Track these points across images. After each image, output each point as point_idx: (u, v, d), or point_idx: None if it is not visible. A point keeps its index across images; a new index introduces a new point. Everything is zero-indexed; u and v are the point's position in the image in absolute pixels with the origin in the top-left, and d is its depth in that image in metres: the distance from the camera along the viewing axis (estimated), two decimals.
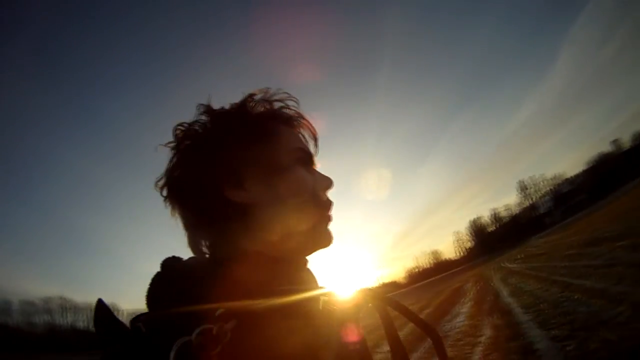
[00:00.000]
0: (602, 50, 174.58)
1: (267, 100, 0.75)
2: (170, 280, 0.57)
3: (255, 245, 0.65)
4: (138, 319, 0.51)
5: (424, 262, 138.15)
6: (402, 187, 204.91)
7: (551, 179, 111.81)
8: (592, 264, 10.05)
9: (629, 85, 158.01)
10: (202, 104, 0.72)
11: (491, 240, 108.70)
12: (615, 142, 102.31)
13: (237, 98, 0.74)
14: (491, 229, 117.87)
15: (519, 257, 31.96)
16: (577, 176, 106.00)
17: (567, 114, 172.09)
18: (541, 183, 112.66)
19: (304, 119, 0.79)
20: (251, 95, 0.74)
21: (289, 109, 0.77)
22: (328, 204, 0.73)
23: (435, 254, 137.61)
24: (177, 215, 0.70)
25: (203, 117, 0.72)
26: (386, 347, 0.69)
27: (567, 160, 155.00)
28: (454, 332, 8.09)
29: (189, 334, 0.45)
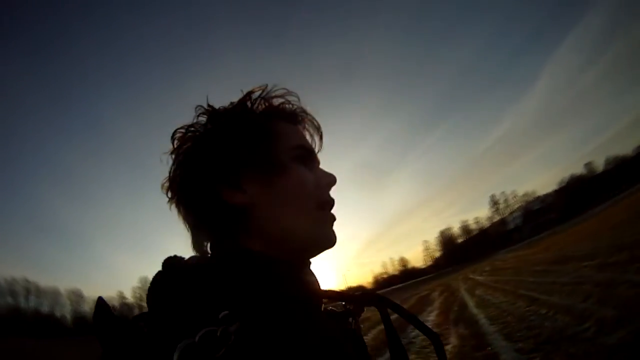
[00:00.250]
0: (583, 75, 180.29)
1: (265, 98, 0.74)
2: (172, 280, 0.56)
3: (256, 246, 0.65)
4: (139, 318, 0.51)
5: (392, 268, 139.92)
6: (373, 193, 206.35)
7: (522, 195, 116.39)
8: (558, 281, 10.39)
9: (606, 110, 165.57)
10: (200, 106, 0.71)
11: (459, 251, 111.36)
12: (588, 165, 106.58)
13: (237, 97, 0.74)
14: (460, 240, 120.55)
15: (486, 269, 32.88)
16: (548, 195, 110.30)
17: (543, 133, 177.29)
18: (512, 199, 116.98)
19: (305, 114, 0.77)
20: (249, 94, 0.73)
21: (289, 104, 0.76)
22: (330, 203, 0.72)
23: (403, 261, 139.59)
24: (180, 216, 0.71)
25: (201, 119, 0.71)
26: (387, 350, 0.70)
27: (539, 178, 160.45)
28: (419, 339, 8.19)
29: (193, 336, 0.44)
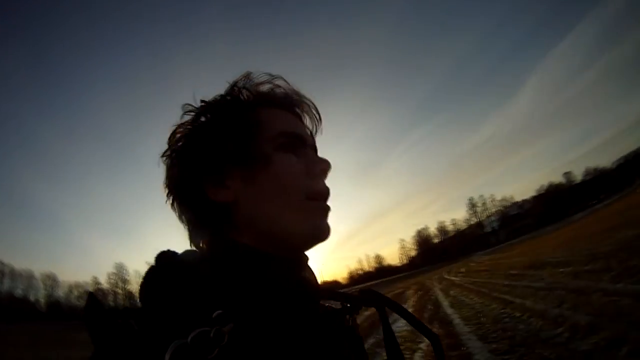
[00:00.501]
0: (569, 86, 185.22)
1: (247, 87, 0.71)
2: (165, 275, 0.55)
3: (248, 241, 0.63)
4: (131, 313, 0.49)
5: (368, 265, 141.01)
6: (353, 188, 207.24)
7: (500, 200, 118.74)
8: (533, 286, 10.62)
9: (589, 122, 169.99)
10: (187, 104, 0.70)
11: (435, 251, 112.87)
12: (567, 174, 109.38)
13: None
14: (436, 240, 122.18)
15: (461, 270, 33.43)
16: (526, 201, 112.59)
17: (525, 140, 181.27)
18: (490, 203, 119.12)
19: (295, 96, 0.74)
20: (234, 85, 0.71)
21: (278, 88, 0.73)
22: (322, 193, 0.68)
23: (379, 258, 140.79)
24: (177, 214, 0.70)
25: (188, 116, 0.70)
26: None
27: (518, 184, 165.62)
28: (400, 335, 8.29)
29: (185, 336, 0.44)
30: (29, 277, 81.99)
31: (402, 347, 0.68)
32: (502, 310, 8.84)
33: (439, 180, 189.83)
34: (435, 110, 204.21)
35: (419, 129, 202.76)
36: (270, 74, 0.72)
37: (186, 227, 0.69)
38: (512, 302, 9.33)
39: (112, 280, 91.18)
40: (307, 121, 0.76)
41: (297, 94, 0.74)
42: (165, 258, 0.58)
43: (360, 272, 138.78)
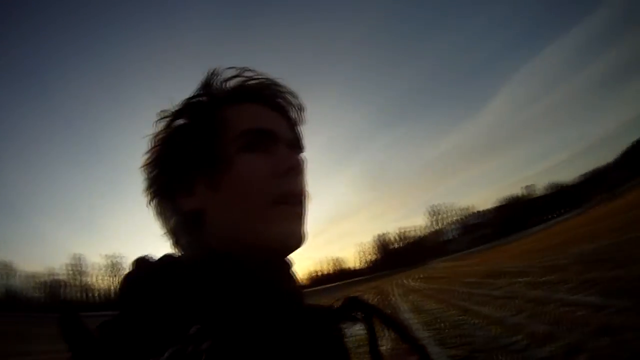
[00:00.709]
0: (538, 102, 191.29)
1: (213, 84, 0.68)
2: (141, 285, 0.53)
3: (224, 249, 0.59)
4: (107, 325, 0.48)
5: (325, 267, 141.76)
6: (316, 189, 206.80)
7: (461, 209, 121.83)
8: (491, 294, 10.97)
9: (554, 139, 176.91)
10: (162, 110, 0.67)
11: (394, 256, 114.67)
12: (529, 187, 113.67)
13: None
14: (396, 246, 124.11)
15: (420, 276, 34.15)
16: (486, 211, 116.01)
17: (490, 151, 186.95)
18: (451, 211, 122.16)
19: (268, 87, 0.69)
20: (203, 84, 0.68)
21: (249, 82, 0.69)
22: (293, 194, 0.63)
23: (337, 261, 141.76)
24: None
25: (162, 124, 0.68)
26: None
27: (480, 194, 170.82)
28: (351, 339, 8.34)
29: (161, 354, 0.42)
30: None
31: (360, 350, 0.67)
32: (461, 317, 9.03)
33: (402, 186, 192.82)
34: (403, 116, 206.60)
35: (384, 134, 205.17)
36: (240, 67, 0.69)
37: (167, 234, 0.67)
38: (470, 309, 9.56)
39: (70, 272, 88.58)
40: (286, 112, 0.70)
41: (272, 84, 0.69)
42: (143, 266, 0.56)
43: (318, 274, 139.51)
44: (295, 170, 0.64)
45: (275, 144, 0.64)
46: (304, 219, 0.65)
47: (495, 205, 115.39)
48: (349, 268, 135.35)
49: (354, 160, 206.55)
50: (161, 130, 0.67)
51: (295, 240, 0.62)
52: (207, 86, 0.68)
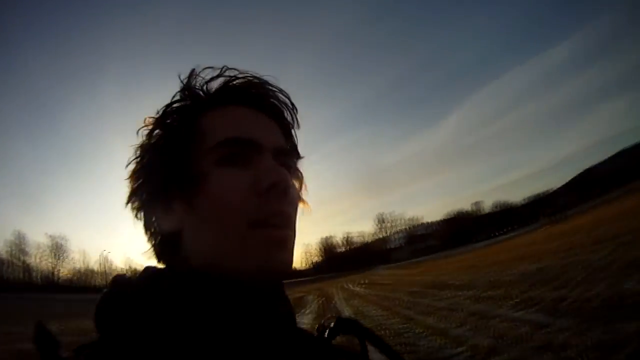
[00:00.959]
0: (496, 121, 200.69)
1: (190, 88, 0.62)
2: (115, 304, 0.49)
3: (204, 269, 0.52)
4: (84, 350, 0.45)
5: None
6: None
7: (409, 219, 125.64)
8: (434, 305, 11.24)
9: (506, 159, 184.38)
10: (146, 117, 0.62)
11: (339, 260, 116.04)
12: (477, 203, 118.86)
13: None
14: (341, 250, 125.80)
15: (364, 282, 34.57)
16: (433, 223, 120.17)
17: (442, 165, 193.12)
18: (399, 220, 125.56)
19: (252, 88, 0.62)
20: (184, 87, 0.62)
21: (231, 82, 0.62)
22: (273, 215, 0.53)
23: None
24: None
25: (144, 132, 0.62)
26: None
27: (428, 206, 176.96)
28: None
29: None
30: None
31: None
32: (404, 325, 9.16)
33: (352, 190, 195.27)
34: (363, 120, 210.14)
35: (341, 136, 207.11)
36: (222, 66, 0.62)
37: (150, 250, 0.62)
38: (414, 318, 9.74)
39: (12, 250, 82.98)
40: (276, 115, 0.63)
41: (259, 83, 0.62)
42: (120, 285, 0.52)
43: None
44: (279, 187, 0.54)
45: (258, 155, 0.56)
46: (289, 243, 0.56)
47: (443, 218, 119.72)
48: (293, 268, 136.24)
49: (307, 159, 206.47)
50: (141, 142, 0.61)
51: (277, 268, 0.53)
52: (187, 89, 0.61)
